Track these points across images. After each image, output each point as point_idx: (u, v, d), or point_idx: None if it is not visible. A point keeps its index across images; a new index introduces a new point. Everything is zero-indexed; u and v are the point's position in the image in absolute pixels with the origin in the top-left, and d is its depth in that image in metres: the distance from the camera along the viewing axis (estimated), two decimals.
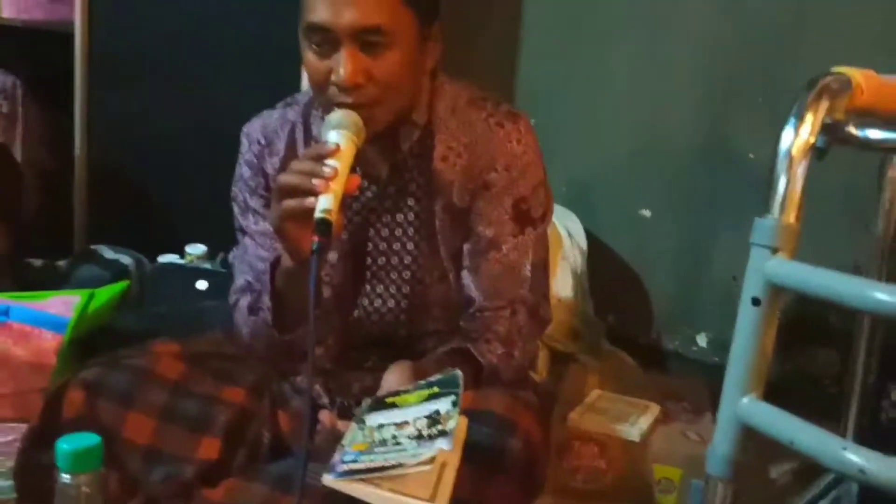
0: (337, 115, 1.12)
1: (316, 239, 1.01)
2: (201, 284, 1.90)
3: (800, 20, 2.03)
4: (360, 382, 1.31)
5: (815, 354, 2.03)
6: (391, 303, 1.29)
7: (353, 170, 1.09)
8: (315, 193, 1.04)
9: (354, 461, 0.91)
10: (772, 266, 0.83)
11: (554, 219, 1.59)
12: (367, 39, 1.13)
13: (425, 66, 1.22)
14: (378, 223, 1.28)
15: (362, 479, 0.88)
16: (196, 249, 2.10)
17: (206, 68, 2.20)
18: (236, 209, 1.34)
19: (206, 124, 2.21)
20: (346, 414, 1.29)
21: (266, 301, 1.20)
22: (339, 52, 1.13)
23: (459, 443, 0.96)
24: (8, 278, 1.90)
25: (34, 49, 2.50)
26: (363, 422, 1.01)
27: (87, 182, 2.31)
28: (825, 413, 1.49)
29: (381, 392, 1.13)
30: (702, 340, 2.26)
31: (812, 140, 0.85)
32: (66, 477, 0.86)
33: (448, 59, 1.27)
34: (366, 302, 1.29)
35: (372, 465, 0.89)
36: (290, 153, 1.29)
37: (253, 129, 1.33)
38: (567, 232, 2.16)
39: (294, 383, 1.33)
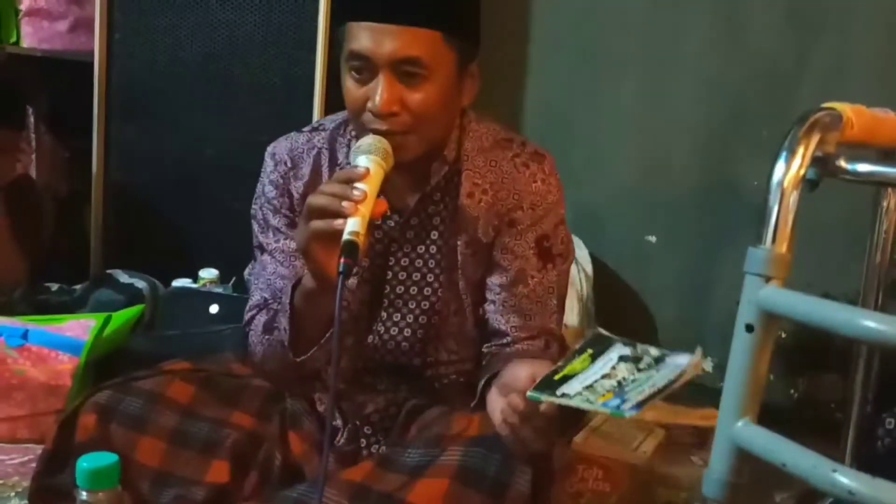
0: (367, 140, 1.14)
1: (343, 260, 1.02)
2: (213, 308, 1.93)
3: (802, 54, 2.07)
4: (373, 404, 1.32)
5: (819, 380, 2.04)
6: (407, 332, 1.30)
7: (379, 195, 1.11)
8: (344, 216, 1.05)
9: (635, 398, 0.92)
10: (765, 294, 0.85)
11: None
12: (405, 70, 1.15)
13: (460, 103, 1.24)
14: (399, 252, 1.30)
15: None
16: (209, 273, 2.14)
17: (219, 99, 2.26)
18: (256, 227, 1.35)
19: (218, 153, 2.27)
20: (358, 435, 1.32)
21: (283, 321, 1.21)
22: (376, 80, 1.15)
23: None
24: (25, 303, 1.93)
25: (52, 78, 2.57)
26: (555, 395, 0.97)
27: (102, 208, 2.35)
28: (830, 438, 1.50)
29: (513, 378, 1.08)
30: (707, 365, 2.27)
31: (803, 172, 0.88)
32: (84, 494, 0.89)
33: None
34: (381, 329, 1.31)
35: (654, 390, 0.92)
36: (315, 179, 1.30)
37: (279, 150, 1.33)
38: (574, 257, 2.18)
39: (311, 401, 1.33)
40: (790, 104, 2.07)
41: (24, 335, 1.60)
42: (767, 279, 0.86)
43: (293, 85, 2.19)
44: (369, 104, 1.15)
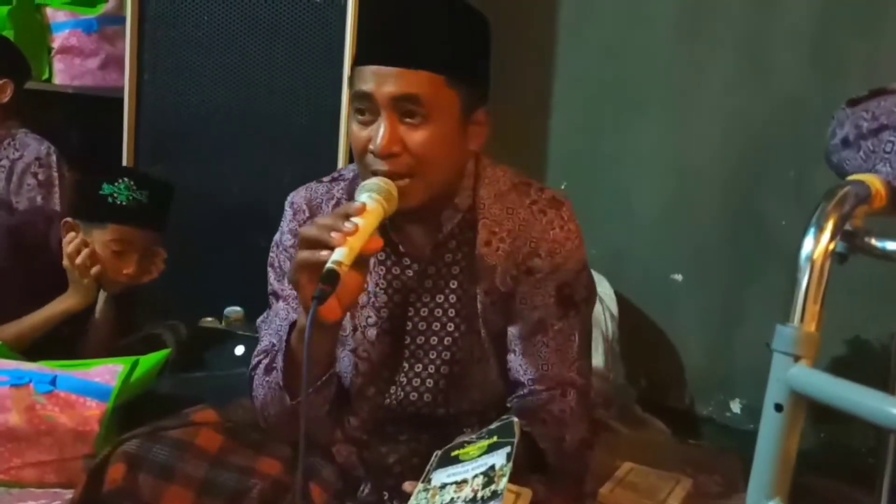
0: (373, 180, 1.16)
1: (319, 287, 1.02)
2: (239, 350, 1.93)
3: (826, 94, 2.06)
4: (395, 454, 1.33)
5: (850, 425, 2.01)
6: (429, 382, 1.31)
7: (385, 239, 1.12)
8: (331, 247, 1.05)
9: None
10: (793, 374, 0.84)
11: None
12: (405, 108, 1.16)
13: (466, 149, 1.24)
14: (418, 303, 1.30)
15: None
16: (234, 312, 2.15)
17: (245, 137, 2.29)
18: (272, 274, 1.36)
19: (244, 191, 2.30)
20: (381, 486, 1.33)
21: (279, 360, 1.21)
22: (378, 121, 1.17)
23: None
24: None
25: (83, 114, 2.61)
26: (429, 481, 1.05)
27: None
28: (864, 485, 1.48)
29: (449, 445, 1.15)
30: (735, 406, 2.25)
31: (832, 247, 0.88)
32: None
33: None
34: (403, 380, 1.31)
35: None
36: None
37: (298, 199, 1.36)
38: (598, 297, 2.17)
39: (329, 452, 1.34)
40: (815, 143, 2.04)
41: (53, 381, 1.60)
42: (796, 358, 0.85)
43: (319, 124, 2.21)
44: (371, 145, 1.17)
